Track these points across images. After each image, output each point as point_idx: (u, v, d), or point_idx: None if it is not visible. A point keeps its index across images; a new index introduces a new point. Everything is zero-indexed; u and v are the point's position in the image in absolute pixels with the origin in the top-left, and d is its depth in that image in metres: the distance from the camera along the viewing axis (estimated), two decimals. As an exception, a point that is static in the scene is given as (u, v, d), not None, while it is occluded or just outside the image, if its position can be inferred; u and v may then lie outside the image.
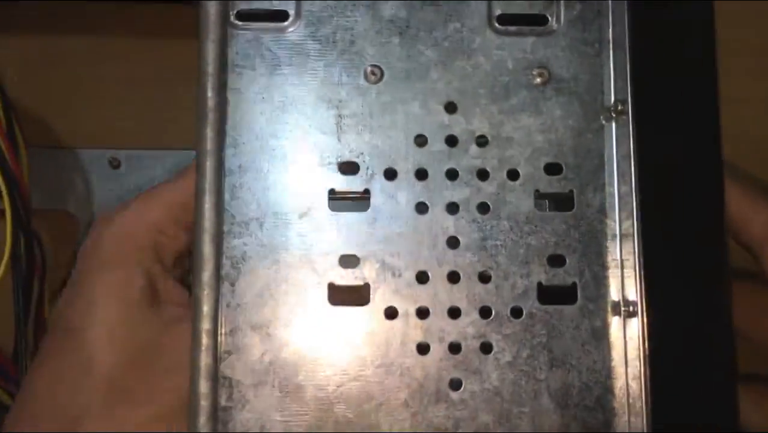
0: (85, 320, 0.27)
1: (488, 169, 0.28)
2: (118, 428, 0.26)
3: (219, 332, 0.26)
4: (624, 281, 0.27)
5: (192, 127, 0.46)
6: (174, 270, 0.29)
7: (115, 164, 0.45)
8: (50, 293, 0.40)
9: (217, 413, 0.26)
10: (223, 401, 0.26)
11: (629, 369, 0.27)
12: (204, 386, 0.26)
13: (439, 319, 0.27)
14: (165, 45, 0.45)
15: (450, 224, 0.28)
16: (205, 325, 0.26)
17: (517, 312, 0.27)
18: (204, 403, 0.26)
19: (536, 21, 0.29)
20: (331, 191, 0.28)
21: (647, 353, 0.26)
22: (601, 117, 0.28)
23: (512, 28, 0.28)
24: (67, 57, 0.46)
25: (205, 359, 0.26)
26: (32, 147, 0.43)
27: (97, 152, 0.45)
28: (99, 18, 0.46)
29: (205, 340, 0.26)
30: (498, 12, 0.28)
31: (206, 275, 0.26)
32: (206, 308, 0.26)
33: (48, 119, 0.45)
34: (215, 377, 0.26)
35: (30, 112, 0.45)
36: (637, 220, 0.27)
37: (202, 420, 0.26)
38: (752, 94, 0.41)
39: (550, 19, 0.29)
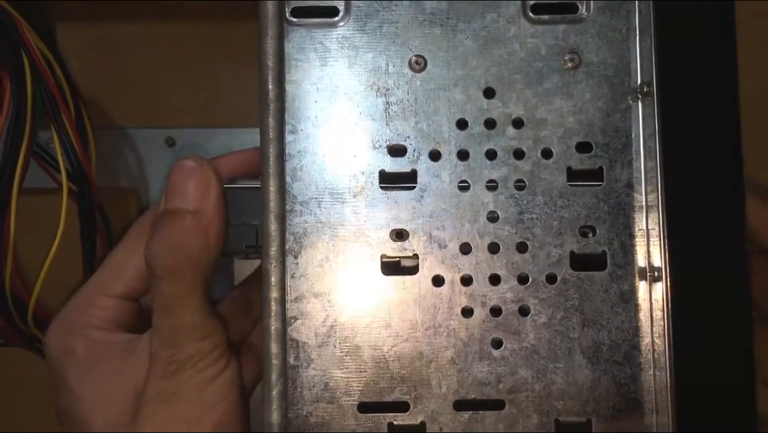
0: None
1: (524, 149, 0.30)
2: None
3: (286, 300, 0.30)
4: (650, 249, 0.30)
5: (236, 104, 0.49)
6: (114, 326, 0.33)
7: (170, 143, 0.48)
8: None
9: (286, 370, 0.29)
10: (291, 360, 0.30)
11: (654, 328, 0.30)
12: (274, 348, 0.29)
13: (481, 285, 0.30)
14: (209, 28, 0.48)
15: (490, 200, 0.30)
16: (274, 294, 0.29)
17: (551, 278, 0.30)
18: (275, 362, 0.29)
19: (567, 9, 0.31)
20: (382, 172, 0.30)
21: (671, 313, 0.29)
22: (629, 98, 0.31)
23: (545, 17, 0.31)
24: (122, 43, 0.49)
25: (274, 324, 0.29)
26: (94, 129, 0.47)
27: (153, 132, 0.48)
28: (152, 6, 0.49)
29: (274, 307, 0.29)
30: (531, 2, 0.31)
31: (273, 249, 0.29)
32: (274, 279, 0.29)
33: (108, 103, 0.49)
34: (284, 340, 0.29)
35: (91, 97, 0.48)
36: (661, 193, 0.30)
37: (274, 377, 0.29)
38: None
39: (580, 7, 0.31)
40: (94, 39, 0.49)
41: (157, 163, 0.48)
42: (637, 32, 0.31)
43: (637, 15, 0.31)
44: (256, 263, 0.33)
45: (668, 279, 0.29)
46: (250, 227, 0.30)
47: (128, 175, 0.48)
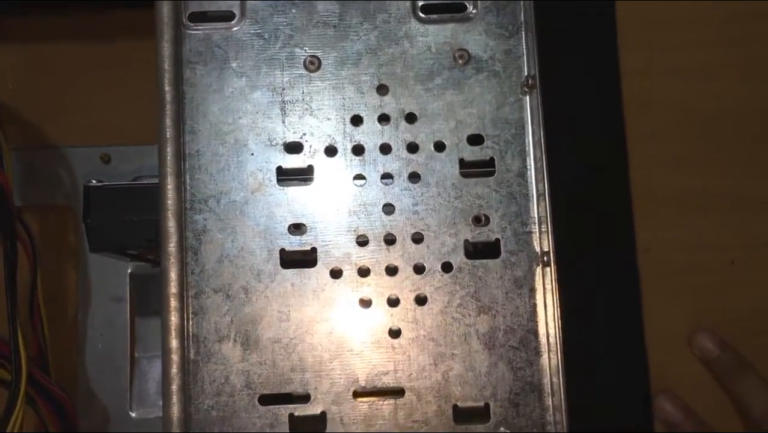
0: None
1: (417, 142, 0.31)
2: None
3: (185, 296, 0.30)
4: (540, 235, 0.31)
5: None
6: None
7: (106, 160, 0.49)
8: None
9: (186, 365, 0.30)
10: (191, 355, 0.30)
11: (548, 312, 0.30)
12: (174, 343, 0.30)
13: (378, 276, 0.31)
14: (143, 47, 0.49)
15: (385, 192, 0.31)
16: (172, 289, 0.30)
17: (447, 267, 0.31)
18: (174, 357, 0.30)
19: (456, 9, 0.32)
20: (279, 169, 0.31)
21: (558, 297, 0.30)
22: (519, 91, 0.32)
23: (434, 17, 0.32)
24: (58, 64, 0.50)
25: (173, 319, 0.30)
26: (30, 149, 0.47)
27: (89, 150, 0.49)
28: (84, 27, 0.50)
29: (173, 303, 0.30)
30: (421, 3, 0.32)
31: (171, 246, 0.30)
32: (173, 275, 0.30)
33: (44, 122, 0.49)
34: (183, 335, 0.30)
35: (27, 118, 0.49)
36: (548, 181, 0.31)
37: (173, 372, 0.30)
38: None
39: (468, 7, 0.32)
40: (31, 59, 0.50)
41: (92, 178, 0.49)
42: (524, 28, 0.32)
43: (523, 12, 0.32)
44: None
45: (555, 264, 0.30)
46: (151, 222, 0.31)
47: (64, 193, 0.49)
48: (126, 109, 0.50)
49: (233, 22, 0.32)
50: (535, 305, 0.31)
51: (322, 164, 0.31)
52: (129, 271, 0.47)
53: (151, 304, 0.48)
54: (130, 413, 0.47)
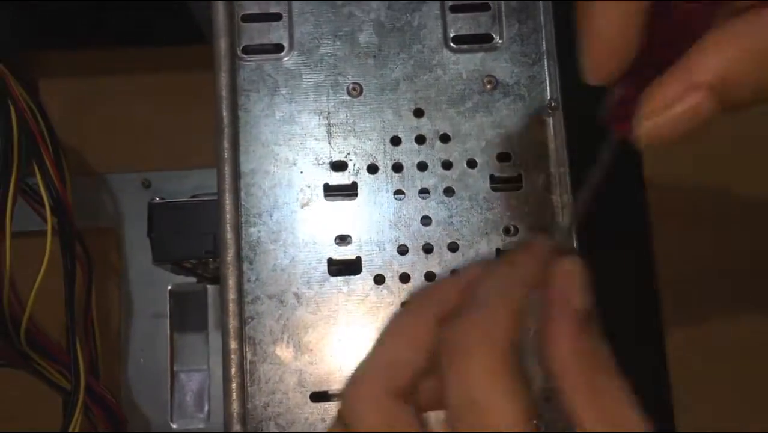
0: None
1: (451, 160, 0.35)
2: None
3: (243, 301, 0.33)
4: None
5: (209, 148, 0.53)
6: None
7: (146, 184, 0.52)
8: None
9: (245, 366, 0.33)
10: (249, 356, 0.33)
11: (574, 314, 0.33)
12: (233, 344, 0.32)
13: (418, 282, 0.34)
14: (182, 79, 0.52)
15: (423, 206, 0.34)
16: (231, 295, 0.33)
17: (480, 273, 0.34)
18: (234, 357, 0.32)
19: (483, 39, 0.35)
20: (326, 185, 0.34)
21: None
22: (542, 113, 0.35)
23: (464, 46, 0.35)
24: (102, 97, 0.54)
25: (233, 323, 0.33)
26: (75, 175, 0.50)
27: (131, 176, 0.52)
28: (126, 60, 0.54)
29: (232, 307, 0.33)
30: (452, 34, 0.35)
31: (230, 256, 0.33)
32: (231, 282, 0.33)
33: (88, 151, 0.53)
34: (242, 337, 0.33)
35: (73, 146, 0.52)
36: (571, 194, 0.34)
37: (233, 371, 0.32)
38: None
39: (494, 37, 0.35)
40: (77, 91, 0.54)
41: (134, 203, 0.52)
42: (546, 57, 0.35)
43: (544, 42, 0.35)
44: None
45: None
46: (209, 235, 0.34)
47: (107, 216, 0.52)
48: (165, 137, 0.53)
49: (282, 53, 0.35)
50: (562, 308, 0.33)
51: (364, 181, 0.34)
52: (169, 288, 0.50)
53: (190, 320, 0.51)
54: (171, 424, 0.49)
